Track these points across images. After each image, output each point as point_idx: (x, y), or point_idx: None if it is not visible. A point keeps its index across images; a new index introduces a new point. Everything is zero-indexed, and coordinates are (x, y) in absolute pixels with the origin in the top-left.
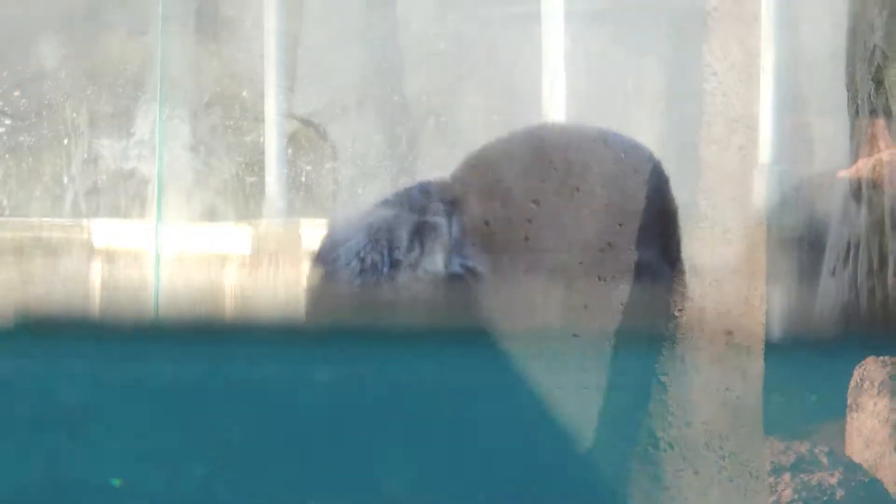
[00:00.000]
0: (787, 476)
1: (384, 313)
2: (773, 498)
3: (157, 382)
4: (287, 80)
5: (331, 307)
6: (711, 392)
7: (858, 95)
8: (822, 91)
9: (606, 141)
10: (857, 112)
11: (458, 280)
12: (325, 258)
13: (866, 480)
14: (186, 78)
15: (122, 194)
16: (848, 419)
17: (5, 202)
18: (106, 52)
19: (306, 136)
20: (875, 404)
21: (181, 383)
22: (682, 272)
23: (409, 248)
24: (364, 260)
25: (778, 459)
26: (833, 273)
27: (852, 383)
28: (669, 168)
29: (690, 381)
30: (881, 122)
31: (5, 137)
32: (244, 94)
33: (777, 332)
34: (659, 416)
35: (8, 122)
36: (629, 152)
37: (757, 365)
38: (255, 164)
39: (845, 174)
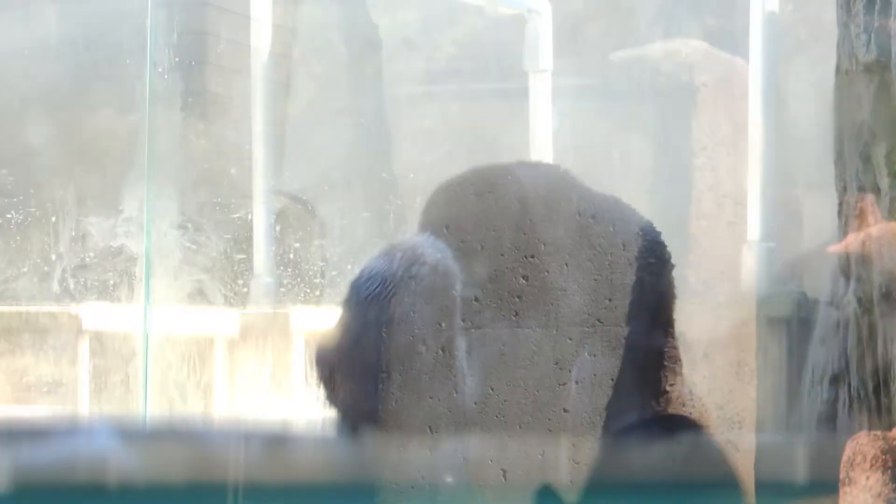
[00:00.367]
0: None
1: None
2: None
3: None
4: (275, 157)
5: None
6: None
7: (846, 171)
8: (810, 167)
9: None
10: (844, 188)
11: None
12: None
13: None
14: (174, 155)
15: (111, 272)
16: (841, 494)
17: None
18: (93, 129)
19: (294, 212)
20: (868, 478)
21: None
22: (673, 347)
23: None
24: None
25: None
26: (823, 348)
27: (845, 457)
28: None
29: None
30: (870, 197)
31: None
32: (232, 171)
33: (768, 407)
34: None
35: None
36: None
37: (748, 438)
38: (243, 241)
39: (834, 250)
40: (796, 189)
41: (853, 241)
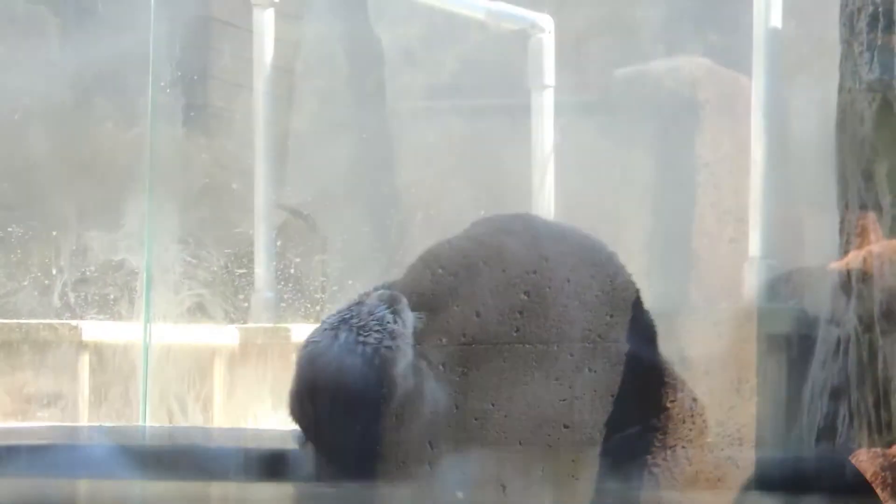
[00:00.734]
0: None
1: None
2: None
3: None
4: (277, 172)
5: None
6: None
7: (848, 189)
8: (812, 184)
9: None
10: (846, 206)
11: None
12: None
13: None
14: (176, 170)
15: (111, 286)
16: None
17: None
18: (95, 143)
19: (296, 227)
20: None
21: None
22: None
23: None
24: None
25: None
26: (823, 366)
27: None
28: (658, 259)
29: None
30: (871, 215)
31: None
32: (234, 185)
33: (768, 423)
34: None
35: None
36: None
37: (748, 455)
38: (244, 255)
39: (835, 267)
40: (798, 206)
41: (854, 258)
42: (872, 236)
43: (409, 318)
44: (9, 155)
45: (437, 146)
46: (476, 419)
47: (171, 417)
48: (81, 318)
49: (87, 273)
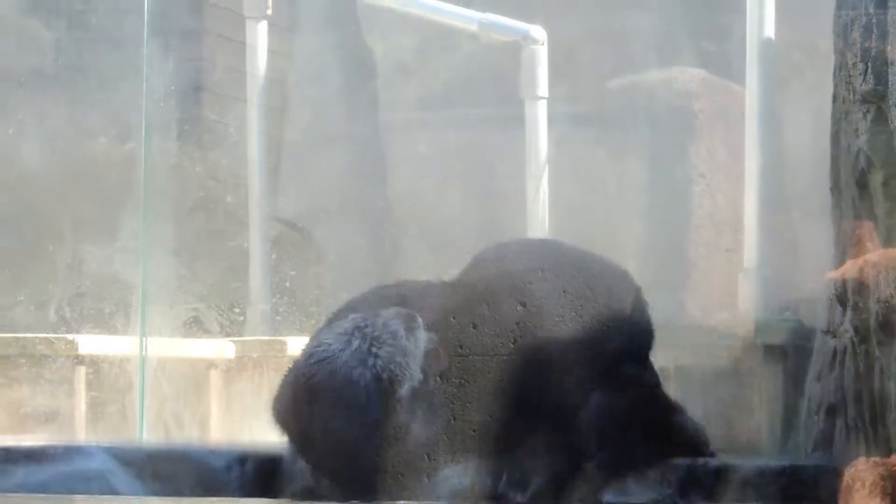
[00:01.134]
0: None
1: None
2: None
3: None
4: (271, 184)
5: None
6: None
7: (843, 199)
8: (807, 193)
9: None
10: (841, 215)
11: None
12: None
13: None
14: (170, 183)
15: (106, 300)
16: None
17: None
18: (89, 157)
19: (290, 240)
20: None
21: None
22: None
23: None
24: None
25: None
26: (819, 378)
27: (843, 484)
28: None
29: None
30: (867, 225)
31: None
32: (228, 198)
33: (766, 435)
34: None
35: None
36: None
37: (747, 465)
38: (239, 269)
39: (831, 277)
40: (793, 216)
41: (850, 268)
42: (868, 246)
43: (422, 338)
44: (3, 168)
45: (431, 157)
46: (474, 431)
47: (167, 432)
48: (77, 332)
49: (83, 287)
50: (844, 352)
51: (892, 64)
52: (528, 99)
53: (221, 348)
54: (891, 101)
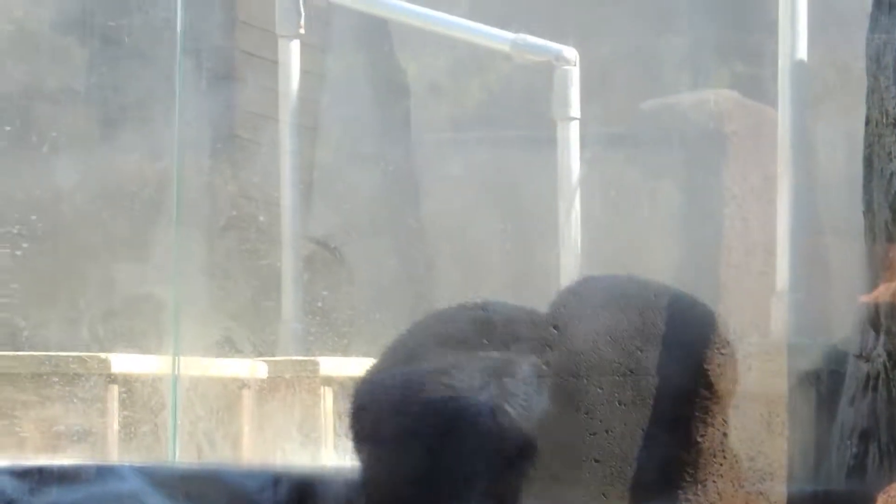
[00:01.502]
0: None
1: None
2: None
3: None
4: (303, 203)
5: None
6: None
7: (876, 222)
8: (840, 216)
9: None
10: (874, 239)
11: None
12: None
13: None
14: (202, 201)
15: (139, 318)
16: None
17: (23, 324)
18: (122, 174)
19: (323, 259)
20: None
21: None
22: (706, 398)
23: None
24: None
25: None
26: (852, 403)
27: None
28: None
29: None
30: None
31: (23, 260)
32: (261, 217)
33: (798, 459)
34: None
35: (25, 245)
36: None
37: (779, 490)
38: (271, 288)
39: (864, 301)
40: (826, 238)
41: (883, 292)
42: None
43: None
44: (36, 186)
45: (463, 178)
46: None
47: (199, 452)
48: (110, 350)
49: (115, 306)
50: (877, 377)
51: None
52: (560, 119)
53: (254, 368)
54: None
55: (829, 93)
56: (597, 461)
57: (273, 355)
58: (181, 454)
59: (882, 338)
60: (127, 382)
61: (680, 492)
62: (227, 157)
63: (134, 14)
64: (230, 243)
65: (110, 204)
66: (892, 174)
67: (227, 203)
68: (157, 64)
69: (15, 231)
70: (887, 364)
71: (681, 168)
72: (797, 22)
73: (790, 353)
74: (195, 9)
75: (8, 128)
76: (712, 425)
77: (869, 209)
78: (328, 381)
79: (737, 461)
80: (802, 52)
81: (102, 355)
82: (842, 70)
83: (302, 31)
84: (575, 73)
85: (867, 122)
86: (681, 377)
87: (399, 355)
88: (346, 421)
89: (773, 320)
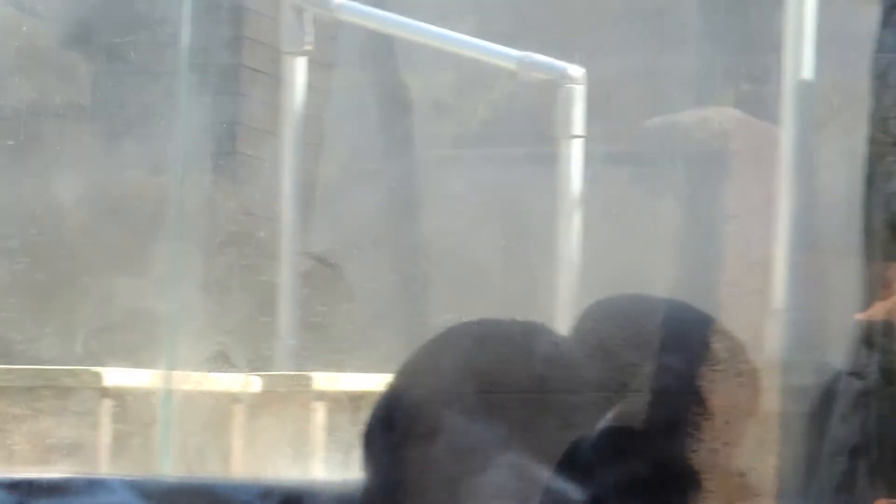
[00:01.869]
0: None
1: None
2: None
3: None
4: (303, 219)
5: None
6: None
7: (874, 241)
8: (838, 235)
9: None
10: (872, 258)
11: None
12: None
13: None
14: (202, 216)
15: (134, 333)
16: None
17: (18, 338)
18: (123, 189)
19: (322, 275)
20: None
21: None
22: (697, 414)
23: None
24: None
25: None
26: (844, 419)
27: None
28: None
29: None
30: None
31: (22, 274)
32: (260, 233)
33: (789, 476)
34: None
35: (24, 259)
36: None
37: None
38: (268, 303)
39: (859, 319)
40: (824, 257)
41: (878, 310)
42: None
43: None
44: (37, 200)
45: (465, 195)
46: None
47: (190, 466)
48: (104, 364)
49: (111, 320)
50: (870, 394)
51: None
52: (563, 137)
53: (247, 383)
54: None
55: (833, 114)
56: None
57: (267, 370)
58: (172, 468)
59: (876, 355)
60: (119, 396)
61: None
62: (228, 173)
63: (140, 30)
64: (229, 259)
65: (111, 218)
66: (891, 194)
67: (227, 219)
68: (162, 80)
69: (15, 245)
70: (880, 381)
71: (682, 186)
72: (803, 42)
73: (784, 370)
74: (202, 25)
75: (11, 142)
76: (703, 441)
77: (867, 228)
78: (321, 395)
79: (728, 478)
80: (808, 73)
81: (95, 369)
82: (847, 91)
83: (308, 47)
84: (580, 92)
85: (869, 142)
86: (674, 393)
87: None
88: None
89: (768, 338)
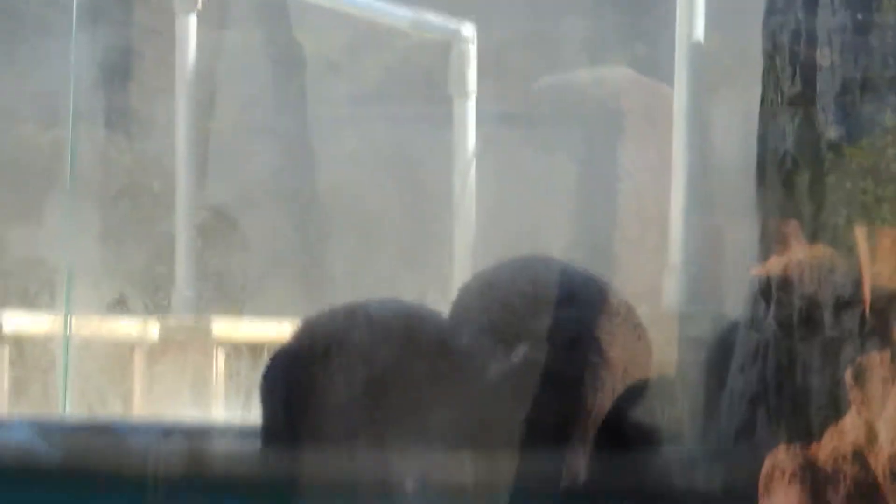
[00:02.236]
0: None
1: None
2: None
3: None
4: (197, 174)
5: None
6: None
7: (768, 198)
8: (733, 193)
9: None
10: (767, 214)
11: None
12: None
13: None
14: (97, 170)
15: (31, 280)
16: None
17: None
18: (16, 144)
19: (216, 227)
20: (786, 493)
21: None
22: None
23: None
24: None
25: None
26: (742, 370)
27: (763, 472)
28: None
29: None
30: (793, 223)
31: None
32: (155, 185)
33: (687, 425)
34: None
35: None
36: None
37: (668, 455)
38: (165, 254)
39: (756, 273)
40: (720, 215)
41: (775, 264)
42: (794, 244)
43: None
44: None
45: (360, 152)
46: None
47: (90, 411)
48: (0, 310)
49: (7, 267)
50: (767, 346)
51: (819, 68)
52: (456, 97)
53: (146, 329)
54: (818, 105)
55: (725, 74)
56: (486, 423)
57: (165, 319)
58: (71, 412)
59: (773, 309)
60: (17, 342)
61: (569, 455)
62: (122, 129)
63: None
64: (124, 210)
65: (3, 172)
66: (785, 153)
67: (122, 172)
68: (54, 34)
69: None
70: (777, 334)
71: (577, 145)
72: (695, 4)
73: (681, 322)
74: None
75: None
76: (602, 391)
77: (762, 186)
78: (220, 342)
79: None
80: (699, 34)
81: None
82: (739, 52)
83: (199, 6)
84: (472, 52)
85: (762, 102)
86: (574, 344)
87: None
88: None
89: (665, 293)
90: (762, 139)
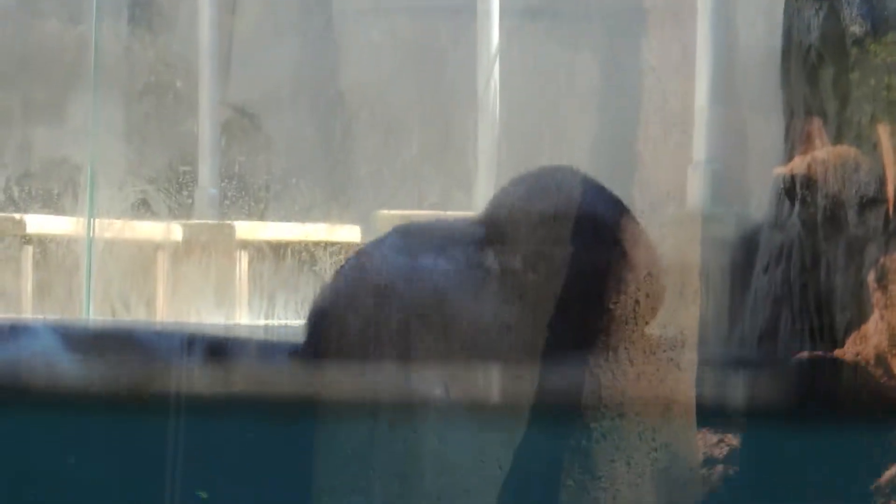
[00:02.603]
0: (719, 468)
1: None
2: (705, 489)
3: None
4: (222, 71)
5: None
6: (644, 384)
7: (793, 96)
8: (758, 90)
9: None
10: (791, 112)
11: None
12: None
13: None
14: (120, 67)
15: (55, 181)
16: None
17: None
18: (40, 39)
19: (240, 126)
20: None
21: None
22: (619, 266)
23: None
24: None
25: (711, 451)
26: (766, 270)
27: None
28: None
29: (624, 372)
30: (817, 121)
31: None
32: (178, 83)
33: (711, 326)
34: (592, 408)
35: None
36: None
37: (690, 357)
38: (188, 153)
39: (780, 172)
40: (743, 112)
41: (799, 164)
42: (817, 142)
43: None
44: None
45: (383, 47)
46: None
47: (114, 313)
48: (25, 212)
49: (32, 168)
50: (791, 246)
51: None
52: None
53: (169, 231)
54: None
55: None
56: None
57: (189, 219)
58: (95, 315)
59: (797, 208)
60: (41, 243)
61: (592, 357)
62: (146, 24)
63: None
64: (147, 108)
65: (27, 68)
66: (809, 47)
67: (145, 69)
68: None
69: None
70: (801, 233)
71: (601, 41)
72: None
73: (705, 223)
74: None
75: None
76: (625, 293)
77: (787, 82)
78: (244, 244)
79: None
80: None
81: (17, 216)
82: None
83: None
84: None
85: None
86: (594, 248)
87: None
88: None
89: (689, 191)
90: (787, 34)
